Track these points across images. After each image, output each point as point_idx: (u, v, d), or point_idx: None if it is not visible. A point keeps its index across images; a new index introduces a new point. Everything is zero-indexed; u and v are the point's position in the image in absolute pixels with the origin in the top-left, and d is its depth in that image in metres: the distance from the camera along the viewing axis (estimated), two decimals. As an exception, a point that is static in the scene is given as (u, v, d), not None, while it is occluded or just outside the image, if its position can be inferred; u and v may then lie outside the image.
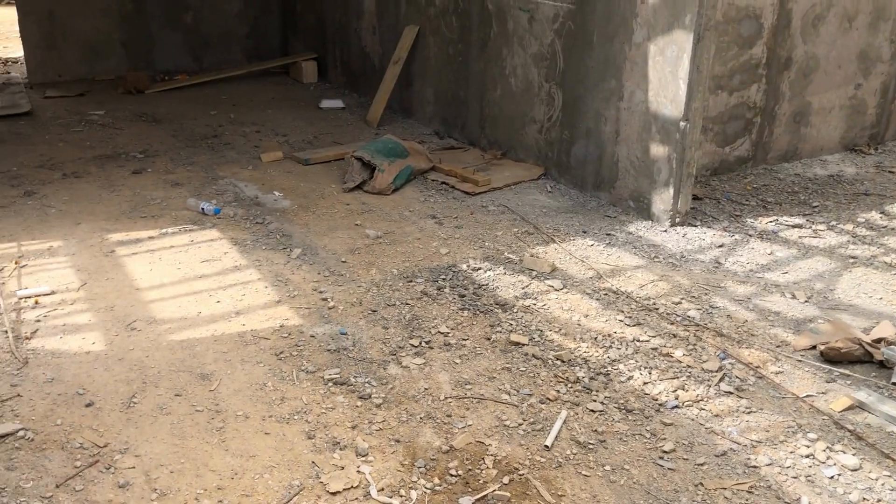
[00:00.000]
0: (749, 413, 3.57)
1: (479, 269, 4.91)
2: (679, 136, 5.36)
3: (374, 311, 4.42)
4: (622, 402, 3.65)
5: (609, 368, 3.90)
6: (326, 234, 5.44)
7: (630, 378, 3.83)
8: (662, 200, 5.57)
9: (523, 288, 4.67)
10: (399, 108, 8.37)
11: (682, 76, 5.26)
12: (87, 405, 3.54)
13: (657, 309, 4.43)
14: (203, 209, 5.70)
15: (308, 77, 9.84)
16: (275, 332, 4.20)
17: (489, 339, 4.14)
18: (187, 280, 4.75)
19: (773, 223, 5.70)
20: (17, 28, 9.54)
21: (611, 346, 4.08)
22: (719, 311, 4.42)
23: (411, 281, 4.74)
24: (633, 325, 4.27)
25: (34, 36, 9.38)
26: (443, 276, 4.80)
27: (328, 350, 4.03)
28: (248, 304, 4.47)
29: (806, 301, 4.56)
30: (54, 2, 9.31)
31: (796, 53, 6.78)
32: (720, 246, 5.30)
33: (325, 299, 4.54)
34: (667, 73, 5.35)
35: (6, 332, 4.10)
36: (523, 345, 4.09)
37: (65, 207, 5.76)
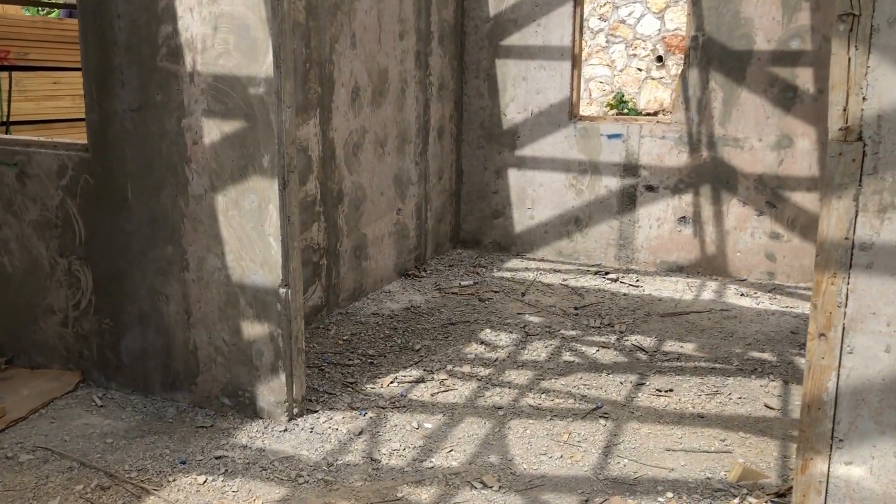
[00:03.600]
0: None
1: (49, 588, 2.98)
2: (281, 306, 4.15)
3: None
4: None
5: None
6: None
7: None
8: (272, 390, 4.26)
9: None
10: None
11: (270, 231, 4.08)
12: None
13: (355, 569, 3.10)
14: None
15: None
16: None
17: None
18: None
19: (395, 383, 4.82)
20: None
21: None
22: (427, 540, 3.29)
23: None
24: None
25: None
26: None
27: None
28: None
29: (500, 488, 3.70)
30: None
31: (345, 185, 6.14)
32: (360, 434, 4.19)
33: None
34: (249, 230, 4.12)
35: None
36: None
37: None
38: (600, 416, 4.44)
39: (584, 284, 7.04)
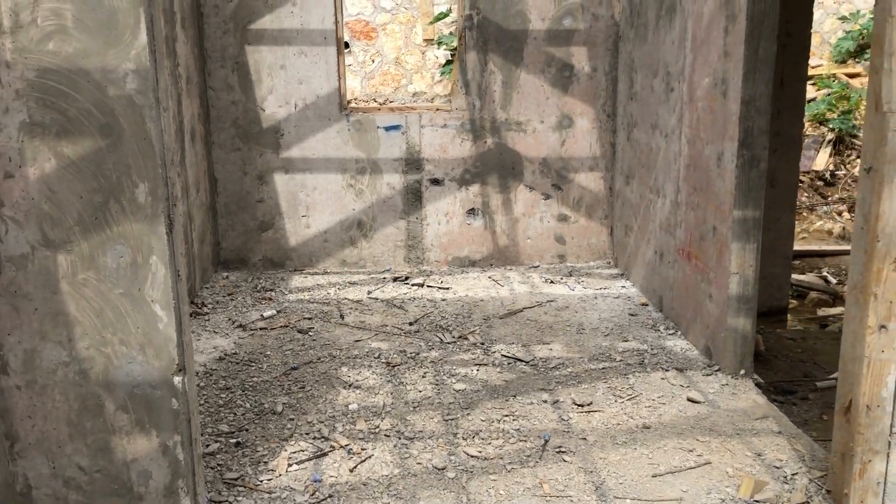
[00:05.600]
0: None
1: None
2: (177, 402, 2.84)
3: None
4: None
5: None
6: None
7: None
8: (169, 525, 2.93)
9: None
10: None
11: (155, 296, 2.75)
12: None
13: None
14: None
15: None
16: None
17: None
18: None
19: (294, 466, 3.69)
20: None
21: None
22: None
23: None
24: None
25: None
26: None
27: None
28: None
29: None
30: None
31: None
32: (309, 552, 3.07)
33: None
34: (116, 299, 2.74)
35: None
36: None
37: None
38: (557, 452, 3.83)
39: (394, 295, 6.30)
